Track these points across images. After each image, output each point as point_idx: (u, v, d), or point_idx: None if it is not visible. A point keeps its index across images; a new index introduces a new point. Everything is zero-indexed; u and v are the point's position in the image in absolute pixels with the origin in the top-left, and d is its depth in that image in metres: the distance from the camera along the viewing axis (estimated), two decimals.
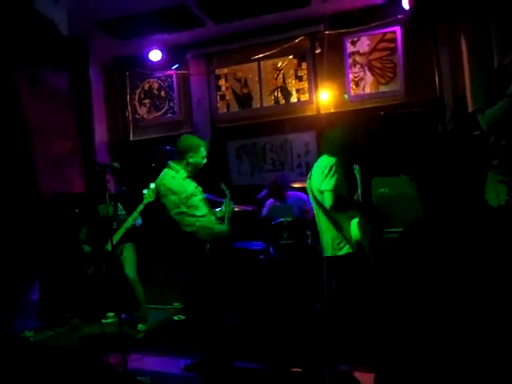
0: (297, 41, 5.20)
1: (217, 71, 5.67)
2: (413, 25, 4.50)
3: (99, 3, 4.36)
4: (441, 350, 1.12)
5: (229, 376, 3.07)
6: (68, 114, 5.42)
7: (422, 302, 1.17)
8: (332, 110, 5.15)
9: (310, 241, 4.11)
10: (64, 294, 4.57)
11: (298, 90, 5.34)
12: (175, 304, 4.79)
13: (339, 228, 3.06)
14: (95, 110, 5.71)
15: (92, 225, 4.27)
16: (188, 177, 3.27)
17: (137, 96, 6.06)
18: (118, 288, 3.71)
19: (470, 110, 4.09)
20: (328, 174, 2.97)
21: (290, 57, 5.34)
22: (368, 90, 5.02)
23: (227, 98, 5.64)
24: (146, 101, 6.01)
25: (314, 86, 5.23)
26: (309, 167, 3.50)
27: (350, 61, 5.07)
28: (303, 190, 4.11)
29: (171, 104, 5.87)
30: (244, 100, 5.56)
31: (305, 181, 3.40)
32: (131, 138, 6.12)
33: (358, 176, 3.26)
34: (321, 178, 3.03)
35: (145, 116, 6.03)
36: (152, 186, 3.67)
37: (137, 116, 6.08)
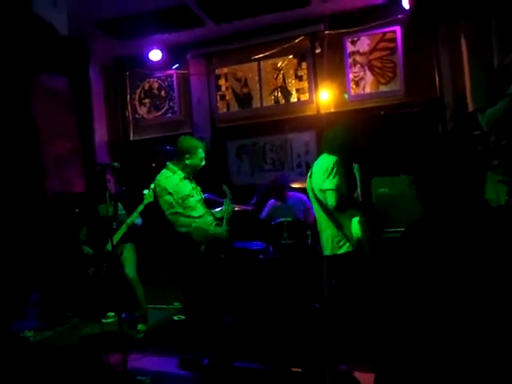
0: (297, 41, 5.20)
1: (217, 71, 5.67)
2: (413, 24, 4.50)
3: (99, 3, 4.36)
4: (441, 349, 1.12)
5: (229, 376, 3.07)
6: (68, 113, 5.43)
7: (423, 302, 1.17)
8: (332, 110, 5.15)
9: (309, 241, 4.11)
10: (64, 293, 4.57)
11: (297, 90, 5.33)
12: (175, 304, 4.79)
13: (339, 226, 3.06)
14: (95, 110, 5.70)
15: (92, 225, 4.27)
16: (186, 178, 3.27)
17: (137, 96, 6.06)
18: (118, 288, 3.72)
19: (470, 109, 4.09)
20: (330, 173, 2.97)
21: (290, 57, 5.34)
22: (368, 90, 5.02)
23: (227, 97, 5.64)
24: (146, 101, 6.01)
25: (313, 85, 5.23)
26: (309, 167, 3.49)
27: (350, 60, 5.07)
28: (303, 190, 4.11)
29: (171, 104, 5.87)
30: (244, 100, 5.56)
31: (305, 181, 3.40)
32: (131, 138, 6.12)
33: (357, 175, 3.26)
34: (323, 177, 3.03)
35: (145, 116, 6.03)
36: (152, 186, 3.67)
37: (137, 116, 6.08)
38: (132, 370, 2.99)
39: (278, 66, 5.40)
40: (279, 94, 5.41)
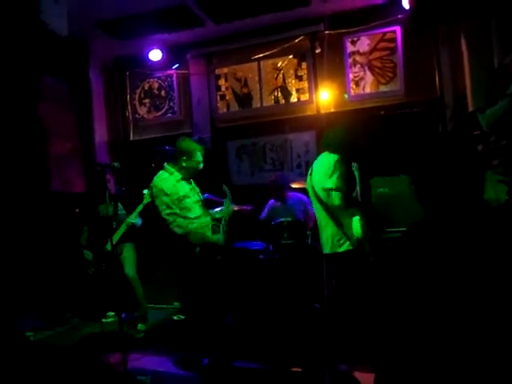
0: (297, 41, 5.20)
1: (217, 71, 5.67)
2: (413, 24, 4.49)
3: (99, 3, 4.36)
4: (441, 349, 1.12)
5: (229, 376, 3.07)
6: (68, 113, 5.43)
7: (423, 302, 1.17)
8: (332, 110, 5.15)
9: (309, 241, 4.11)
10: (64, 293, 4.57)
11: (297, 90, 5.33)
12: (175, 304, 4.79)
13: (340, 225, 3.06)
14: (95, 110, 5.70)
15: (93, 226, 4.27)
16: (183, 179, 3.28)
17: (137, 96, 6.06)
18: (118, 287, 3.72)
19: (471, 109, 4.09)
20: (333, 172, 2.98)
21: (290, 56, 5.34)
22: (368, 90, 5.02)
23: (227, 97, 5.64)
24: (146, 101, 6.01)
25: (313, 85, 5.23)
26: (308, 167, 3.49)
27: (350, 60, 5.07)
28: (303, 190, 4.11)
29: (171, 104, 5.87)
30: (244, 100, 5.56)
31: (305, 181, 3.40)
32: (131, 138, 6.12)
33: (356, 174, 3.26)
34: (325, 176, 3.03)
35: (145, 116, 6.03)
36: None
37: (137, 116, 6.07)
38: (132, 370, 2.99)
39: (278, 65, 5.40)
40: (279, 94, 5.41)
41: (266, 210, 4.72)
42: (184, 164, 3.26)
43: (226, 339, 3.42)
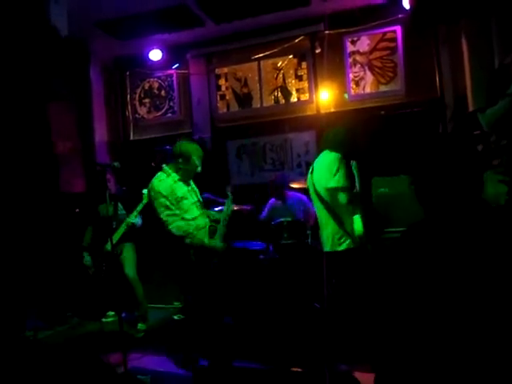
0: (297, 40, 5.20)
1: (217, 71, 5.67)
2: (413, 24, 4.49)
3: (99, 3, 4.36)
4: (441, 349, 1.12)
5: (228, 376, 3.07)
6: (68, 113, 5.43)
7: (423, 302, 1.17)
8: (332, 110, 5.15)
9: (309, 241, 4.11)
10: (64, 293, 4.57)
11: (297, 90, 5.33)
12: (175, 303, 4.80)
13: (340, 223, 3.06)
14: (95, 110, 5.71)
15: (94, 227, 4.27)
16: (180, 180, 3.28)
17: (137, 96, 6.06)
18: (118, 287, 3.72)
19: (471, 109, 4.09)
20: (337, 170, 2.98)
21: (290, 56, 5.34)
22: (368, 90, 5.02)
23: (227, 97, 5.64)
24: (146, 100, 6.01)
25: (314, 85, 5.23)
26: (308, 167, 3.49)
27: (350, 60, 5.07)
28: (303, 190, 4.11)
29: (171, 104, 5.87)
30: (244, 100, 5.56)
31: (305, 181, 3.40)
32: (131, 138, 6.12)
33: (355, 172, 3.26)
34: (329, 175, 3.03)
35: (145, 116, 6.03)
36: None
37: (137, 116, 6.08)
38: (132, 370, 3.00)
39: (278, 65, 5.40)
40: (279, 94, 5.41)
41: (266, 209, 4.72)
42: (181, 166, 3.27)
43: (226, 339, 3.42)
